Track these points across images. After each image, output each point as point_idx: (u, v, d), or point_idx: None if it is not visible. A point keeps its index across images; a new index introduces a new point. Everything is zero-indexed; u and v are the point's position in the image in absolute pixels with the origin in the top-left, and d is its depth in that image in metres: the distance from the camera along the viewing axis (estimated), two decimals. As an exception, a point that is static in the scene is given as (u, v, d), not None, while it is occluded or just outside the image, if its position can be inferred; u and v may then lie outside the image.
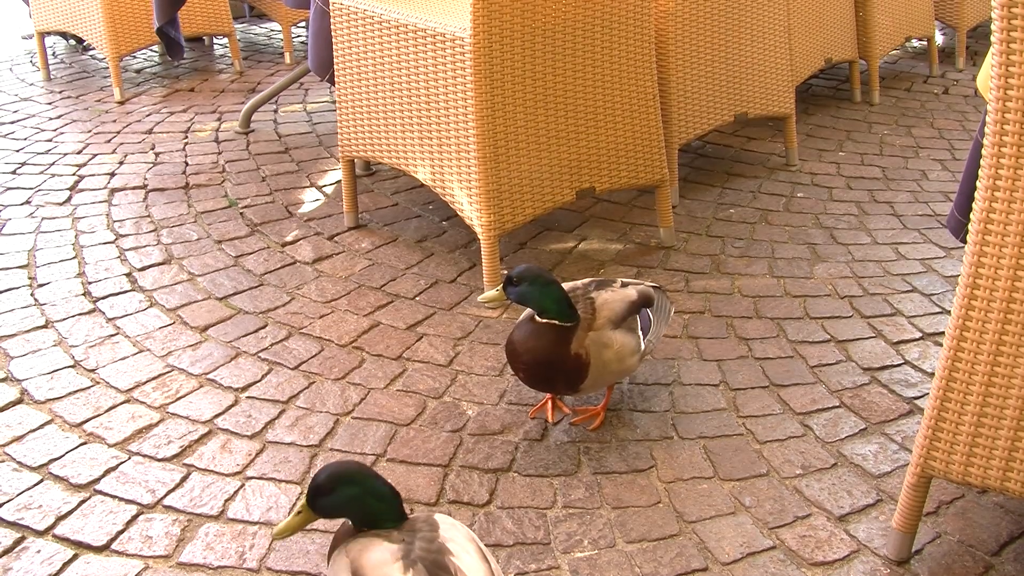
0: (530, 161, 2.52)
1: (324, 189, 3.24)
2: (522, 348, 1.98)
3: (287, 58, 4.64)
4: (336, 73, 2.81)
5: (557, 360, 1.96)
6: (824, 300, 2.57)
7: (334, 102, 3.42)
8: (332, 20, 2.75)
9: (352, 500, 1.40)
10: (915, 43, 4.96)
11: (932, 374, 2.22)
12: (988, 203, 1.48)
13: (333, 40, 2.78)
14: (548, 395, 2.13)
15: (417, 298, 2.59)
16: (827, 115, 3.92)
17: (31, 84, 4.45)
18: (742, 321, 2.47)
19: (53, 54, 4.91)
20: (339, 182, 3.16)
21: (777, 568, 1.72)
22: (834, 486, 1.91)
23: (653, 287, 2.16)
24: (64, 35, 4.97)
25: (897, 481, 1.92)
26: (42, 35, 4.50)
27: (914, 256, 2.80)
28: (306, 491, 1.45)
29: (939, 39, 4.83)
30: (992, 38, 1.44)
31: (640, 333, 2.05)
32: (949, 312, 1.53)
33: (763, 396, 2.18)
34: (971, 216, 1.51)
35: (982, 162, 1.48)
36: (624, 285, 2.12)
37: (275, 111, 3.96)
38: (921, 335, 2.40)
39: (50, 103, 4.17)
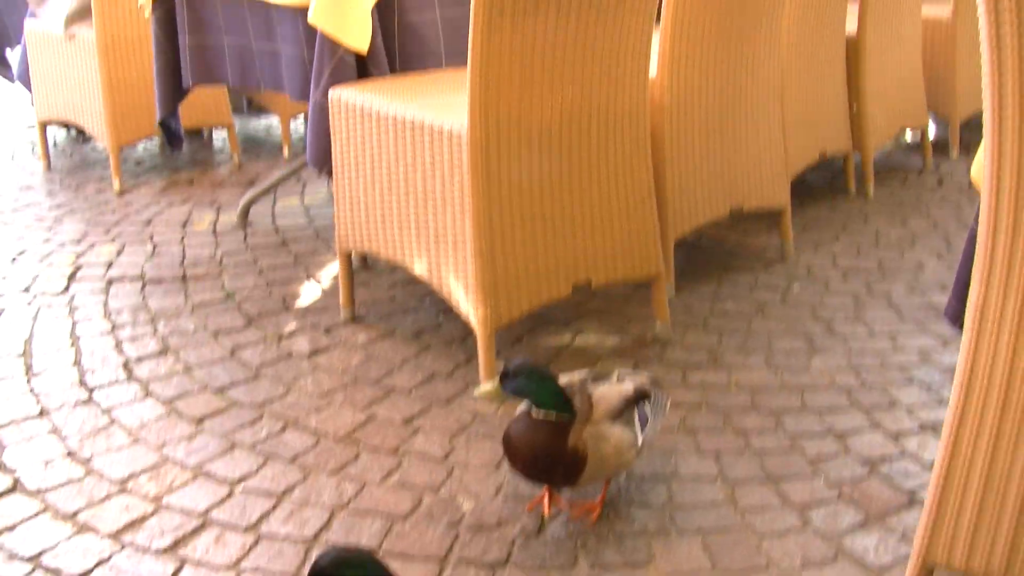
0: (526, 255, 2.53)
1: (321, 282, 3.24)
2: (519, 442, 1.97)
3: (285, 151, 4.68)
4: (334, 167, 2.83)
5: (555, 454, 1.95)
6: (822, 392, 2.56)
7: (331, 196, 3.45)
8: (330, 114, 2.78)
9: None
10: (909, 135, 5.01)
11: (932, 464, 2.20)
12: (983, 292, 1.49)
13: (331, 134, 2.80)
14: (545, 489, 2.11)
15: (414, 391, 2.58)
16: (822, 208, 3.94)
17: (32, 173, 4.48)
18: (740, 414, 2.46)
19: (54, 144, 4.95)
20: (336, 275, 3.16)
21: (777, 665, 1.69)
22: (834, 581, 1.89)
23: (649, 380, 2.16)
24: (66, 125, 5.02)
25: (899, 573, 1.90)
26: (44, 125, 4.54)
27: (912, 347, 2.80)
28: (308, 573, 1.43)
29: (933, 131, 4.87)
30: (984, 129, 1.46)
31: (638, 427, 2.04)
32: (947, 402, 1.53)
33: (762, 489, 2.16)
34: (967, 304, 1.51)
35: (977, 252, 1.49)
36: (621, 378, 2.12)
37: (273, 204, 3.99)
38: (920, 426, 2.39)
39: (50, 193, 4.20)
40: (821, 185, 4.23)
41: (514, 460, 1.99)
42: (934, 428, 2.38)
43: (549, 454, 1.95)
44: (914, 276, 3.29)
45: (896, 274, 3.30)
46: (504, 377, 1.97)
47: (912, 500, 2.12)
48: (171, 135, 3.92)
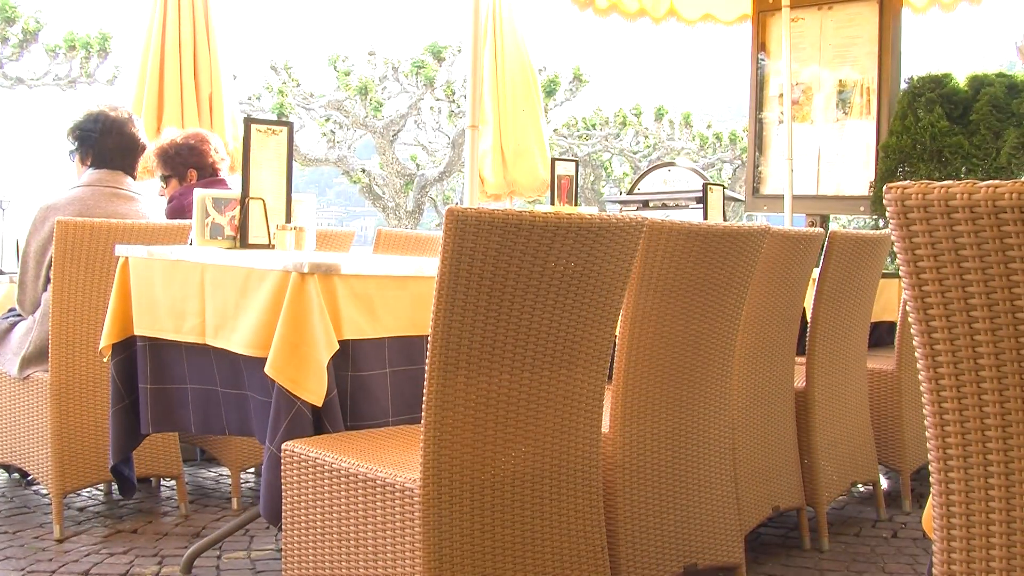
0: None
1: (264, 638, 3.12)
2: None
3: (234, 503, 4.61)
4: (284, 520, 2.78)
5: None
6: None
7: (279, 551, 3.37)
8: (283, 466, 2.76)
9: None
10: (861, 488, 5.03)
11: None
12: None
13: (283, 486, 2.77)
14: None
15: None
16: (777, 563, 3.89)
17: (-31, 518, 4.38)
18: None
19: (-5, 488, 4.87)
20: (281, 632, 3.05)
21: None
22: None
23: None
24: (8, 468, 4.94)
25: None
26: (-13, 468, 4.47)
27: None
28: None
29: (884, 483, 4.90)
30: (931, 479, 1.47)
31: None
32: None
33: None
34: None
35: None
36: None
37: (218, 557, 3.89)
38: None
39: (-14, 539, 4.09)
40: (775, 539, 4.20)
41: None
42: None
43: None
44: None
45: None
46: None
47: None
48: (123, 482, 3.86)
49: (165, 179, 4.81)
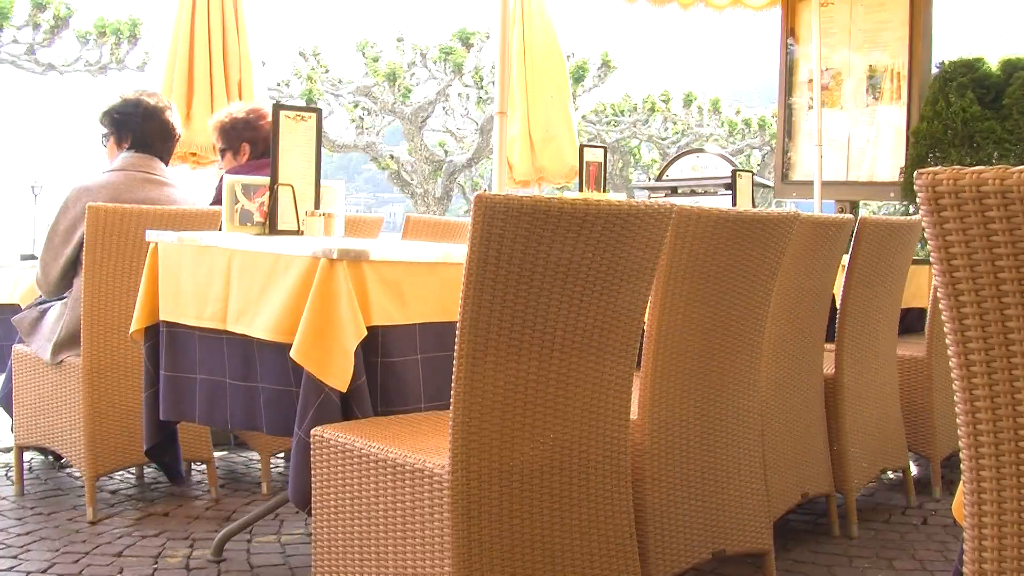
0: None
1: (294, 622, 3.15)
2: None
3: (264, 488, 4.64)
4: (313, 505, 2.80)
5: None
6: None
7: (309, 535, 3.39)
8: (312, 452, 2.77)
9: None
10: (891, 474, 5.01)
11: None
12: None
13: (312, 471, 2.79)
14: None
15: None
16: (806, 550, 3.89)
17: (3, 498, 4.42)
18: None
19: (29, 469, 4.91)
20: (311, 616, 3.07)
21: None
22: None
23: None
24: (42, 451, 4.98)
25: None
26: (21, 449, 4.51)
27: None
28: None
29: (914, 470, 4.88)
30: (962, 466, 1.46)
31: None
32: None
33: None
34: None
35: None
36: None
37: (249, 540, 3.91)
38: None
39: (20, 519, 4.12)
40: (804, 526, 4.19)
41: None
42: None
43: None
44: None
45: (885, 620, 3.22)
46: None
47: None
48: (168, 469, 3.90)
49: (221, 152, 4.81)
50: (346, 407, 2.97)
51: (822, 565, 3.73)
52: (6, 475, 4.82)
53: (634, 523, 2.73)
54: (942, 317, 1.47)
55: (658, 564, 2.96)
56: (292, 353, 2.93)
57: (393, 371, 3.07)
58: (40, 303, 4.50)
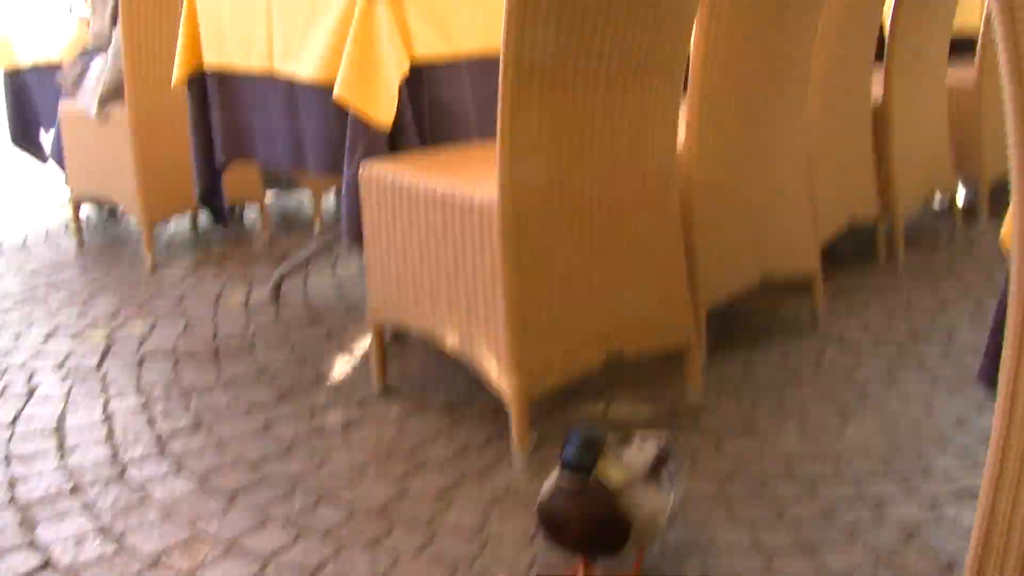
0: (558, 327, 2.53)
1: (353, 356, 3.25)
2: (569, 513, 1.90)
3: (317, 226, 4.72)
4: (365, 241, 2.85)
5: (607, 521, 1.91)
6: (857, 459, 2.54)
7: (363, 270, 3.46)
8: (361, 188, 2.81)
9: None
10: (938, 200, 5.00)
11: (970, 530, 2.17)
12: (1015, 354, 1.47)
13: (363, 208, 2.82)
14: (580, 561, 2.09)
15: (447, 464, 2.57)
16: (853, 275, 3.93)
17: (65, 251, 4.54)
18: (774, 482, 2.44)
19: (87, 222, 5.01)
20: (368, 349, 3.18)
21: None
22: (875, 653, 1.86)
23: (667, 440, 2.14)
24: (99, 203, 5.08)
25: (940, 646, 1.87)
26: (77, 203, 4.60)
27: (946, 411, 2.78)
28: None
29: (962, 195, 4.87)
30: (1012, 192, 1.45)
31: (667, 489, 2.02)
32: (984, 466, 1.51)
33: (798, 559, 2.14)
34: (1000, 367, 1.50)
35: (1008, 314, 1.48)
36: (642, 441, 2.10)
37: (305, 279, 4.01)
38: (957, 491, 2.37)
39: (83, 270, 4.24)
40: (851, 252, 4.22)
41: (561, 531, 1.93)
42: (971, 494, 2.35)
43: (602, 521, 1.91)
44: (947, 341, 3.27)
45: (929, 339, 3.29)
46: (576, 448, 1.92)
47: (951, 568, 2.09)
48: (216, 213, 3.97)
49: None
50: (394, 145, 2.98)
51: (868, 289, 3.78)
52: (65, 229, 4.92)
53: (682, 250, 2.77)
54: (995, 38, 1.43)
55: (707, 290, 3.01)
56: (336, 90, 2.92)
57: (441, 107, 3.07)
58: (82, 57, 4.49)
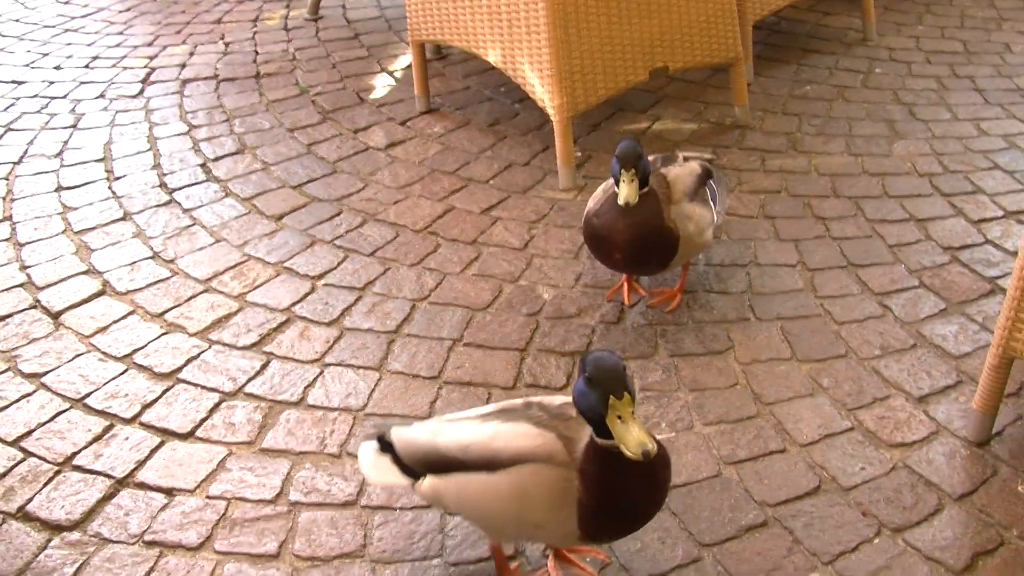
0: (602, 41, 2.48)
1: (395, 74, 3.22)
2: (618, 227, 1.90)
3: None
4: (403, -44, 2.78)
5: (656, 234, 1.91)
6: (903, 178, 2.52)
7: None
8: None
9: None
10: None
11: (1015, 253, 2.17)
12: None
13: (399, -78, 2.74)
14: (624, 277, 2.12)
15: (491, 182, 2.58)
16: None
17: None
18: (819, 200, 2.44)
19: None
20: (410, 67, 3.14)
21: (855, 449, 1.71)
22: (913, 367, 1.90)
23: (709, 159, 2.11)
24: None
25: (978, 362, 1.89)
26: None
27: (996, 132, 2.73)
28: None
29: None
30: None
31: (712, 204, 2.02)
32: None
33: (841, 276, 2.15)
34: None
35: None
36: (686, 159, 2.08)
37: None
38: (1003, 213, 2.35)
39: (118, -4, 4.18)
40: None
41: (610, 246, 1.93)
42: (1018, 215, 2.34)
43: (651, 234, 1.90)
44: (1001, 58, 3.18)
45: (982, 56, 3.20)
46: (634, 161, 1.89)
47: (994, 288, 2.10)
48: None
49: None
50: None
51: (920, 2, 3.66)
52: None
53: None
54: None
55: (754, 1, 2.93)
56: None
57: None
58: None
